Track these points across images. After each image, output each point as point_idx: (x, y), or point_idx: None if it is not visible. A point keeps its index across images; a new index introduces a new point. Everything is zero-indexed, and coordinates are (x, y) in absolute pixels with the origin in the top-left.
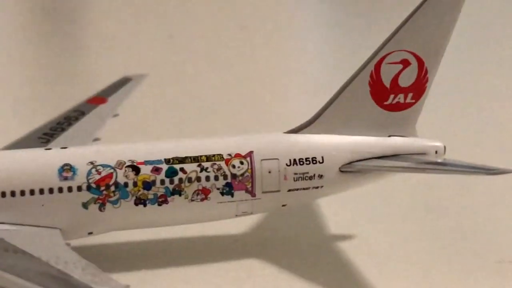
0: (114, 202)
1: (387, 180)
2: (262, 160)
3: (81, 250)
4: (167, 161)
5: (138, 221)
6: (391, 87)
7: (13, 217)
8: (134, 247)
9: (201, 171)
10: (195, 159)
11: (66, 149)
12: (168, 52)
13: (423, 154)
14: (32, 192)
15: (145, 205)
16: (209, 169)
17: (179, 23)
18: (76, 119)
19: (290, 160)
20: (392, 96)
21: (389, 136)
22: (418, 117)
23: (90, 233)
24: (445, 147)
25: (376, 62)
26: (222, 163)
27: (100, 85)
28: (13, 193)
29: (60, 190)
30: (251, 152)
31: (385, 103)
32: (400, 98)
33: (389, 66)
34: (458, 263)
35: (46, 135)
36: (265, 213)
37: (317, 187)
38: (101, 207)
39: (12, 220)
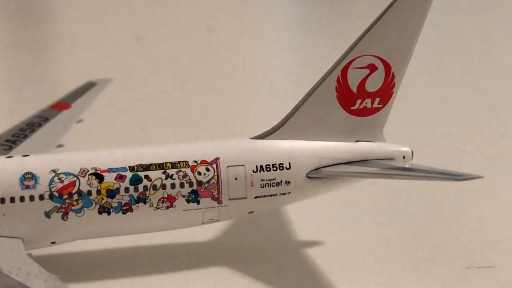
0: (78, 211)
1: (355, 185)
2: (228, 166)
3: (43, 260)
4: (131, 168)
5: (102, 230)
6: (358, 92)
7: None
8: (97, 256)
9: (166, 178)
10: (160, 166)
11: (28, 156)
12: (133, 55)
13: (391, 159)
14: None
15: (109, 214)
16: (174, 176)
17: (145, 25)
18: (39, 125)
19: (256, 167)
20: (359, 101)
21: (357, 141)
22: (385, 122)
23: (53, 243)
24: (412, 152)
25: (343, 67)
26: (188, 170)
27: (66, 90)
28: None
29: (22, 199)
30: (217, 158)
31: (352, 108)
32: (367, 103)
33: (356, 71)
34: (426, 268)
35: (8, 142)
36: (233, 220)
37: (284, 193)
38: (64, 216)
39: None
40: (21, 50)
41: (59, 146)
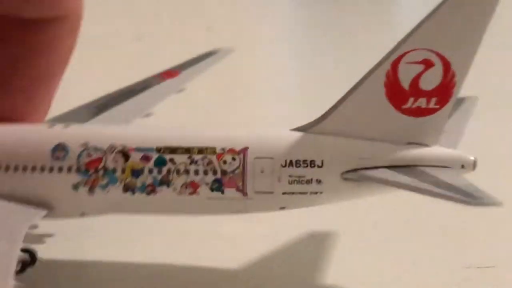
0: (103, 187)
1: None
2: (255, 158)
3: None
4: (158, 149)
5: (127, 208)
6: (411, 89)
7: (4, 191)
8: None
9: (190, 163)
10: (187, 151)
11: (69, 127)
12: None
13: (446, 167)
14: (24, 168)
15: (133, 193)
16: (199, 162)
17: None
18: (138, 92)
19: (286, 161)
20: (411, 99)
21: (408, 143)
22: (444, 125)
23: (83, 215)
24: (475, 161)
25: (394, 61)
26: (213, 158)
27: None
28: (7, 168)
29: (51, 169)
30: (246, 148)
31: (404, 106)
32: (422, 102)
33: (409, 65)
34: (426, 267)
35: (101, 106)
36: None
37: (315, 193)
38: (91, 190)
39: (3, 193)
40: None
41: (148, 115)
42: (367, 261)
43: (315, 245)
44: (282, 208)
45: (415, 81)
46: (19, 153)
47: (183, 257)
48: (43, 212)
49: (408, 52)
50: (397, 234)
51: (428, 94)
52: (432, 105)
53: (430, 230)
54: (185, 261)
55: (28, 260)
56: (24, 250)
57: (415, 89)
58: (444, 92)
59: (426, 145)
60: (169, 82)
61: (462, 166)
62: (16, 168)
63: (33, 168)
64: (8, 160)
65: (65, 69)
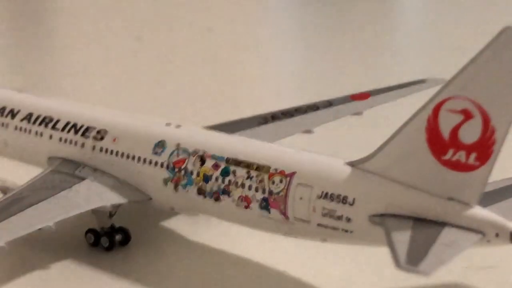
0: (184, 186)
1: None
2: (298, 184)
3: None
4: (227, 160)
5: (201, 210)
6: (451, 140)
7: (121, 174)
8: None
9: (247, 178)
10: (248, 166)
11: (179, 128)
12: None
13: (480, 232)
14: (133, 157)
15: (204, 197)
16: (254, 179)
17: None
18: (314, 109)
19: (322, 192)
20: (451, 151)
21: (448, 198)
22: (485, 185)
23: (172, 209)
24: None
25: (435, 106)
26: (266, 176)
27: None
28: (122, 155)
29: (150, 162)
30: (294, 172)
31: (444, 157)
32: (461, 156)
33: (449, 114)
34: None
35: (270, 118)
36: None
37: (346, 231)
38: (176, 187)
39: (120, 176)
40: None
41: (307, 131)
42: (367, 260)
43: None
44: (324, 240)
45: (455, 131)
46: (132, 144)
47: None
48: (133, 198)
49: (448, 98)
50: None
51: (468, 148)
52: (471, 160)
53: None
54: None
55: (119, 238)
56: (118, 229)
57: (455, 140)
58: (484, 148)
59: (467, 204)
60: (356, 104)
61: (497, 235)
62: (128, 156)
63: (138, 159)
64: (122, 149)
65: None
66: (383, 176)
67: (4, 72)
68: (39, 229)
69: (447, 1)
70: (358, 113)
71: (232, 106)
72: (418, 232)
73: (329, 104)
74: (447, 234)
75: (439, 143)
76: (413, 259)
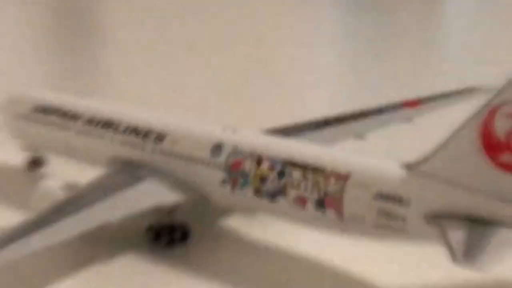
0: (241, 187)
1: None
2: (353, 185)
3: None
4: (283, 162)
5: (259, 210)
6: (506, 143)
7: (179, 175)
8: None
9: (302, 180)
10: (303, 168)
11: (235, 133)
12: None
13: None
14: (191, 159)
15: (261, 197)
16: (309, 181)
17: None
18: (367, 116)
19: (378, 193)
20: (507, 154)
21: (503, 200)
22: None
23: (230, 209)
24: None
25: (491, 109)
26: (321, 178)
27: None
28: (181, 156)
29: (208, 164)
30: (349, 174)
31: (499, 160)
32: None
33: (505, 118)
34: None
35: (324, 123)
36: None
37: (401, 230)
38: (232, 188)
39: (179, 177)
40: None
41: (359, 137)
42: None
43: None
44: (379, 239)
45: (510, 135)
46: (190, 146)
47: None
48: (179, 198)
49: (505, 103)
50: None
51: None
52: None
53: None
54: None
55: (179, 235)
56: (178, 226)
57: (510, 144)
58: None
59: None
60: (406, 111)
61: None
62: (190, 159)
63: (196, 160)
64: (181, 151)
65: None
66: (438, 178)
67: (63, 77)
68: (102, 225)
69: (496, 6)
70: (409, 120)
71: (287, 111)
72: (474, 232)
73: (380, 110)
74: (502, 234)
75: (494, 146)
76: (470, 255)
